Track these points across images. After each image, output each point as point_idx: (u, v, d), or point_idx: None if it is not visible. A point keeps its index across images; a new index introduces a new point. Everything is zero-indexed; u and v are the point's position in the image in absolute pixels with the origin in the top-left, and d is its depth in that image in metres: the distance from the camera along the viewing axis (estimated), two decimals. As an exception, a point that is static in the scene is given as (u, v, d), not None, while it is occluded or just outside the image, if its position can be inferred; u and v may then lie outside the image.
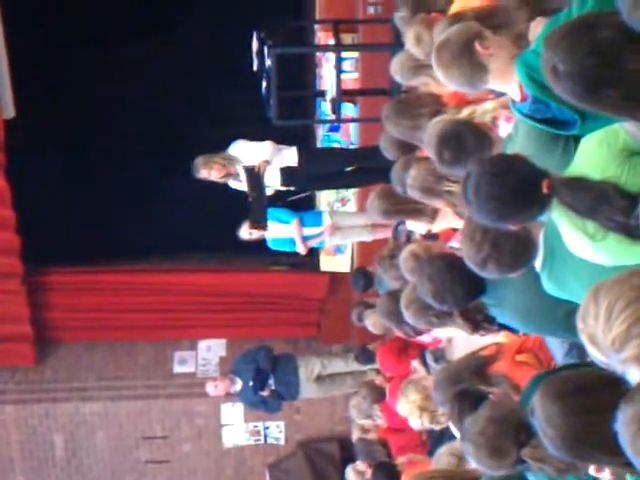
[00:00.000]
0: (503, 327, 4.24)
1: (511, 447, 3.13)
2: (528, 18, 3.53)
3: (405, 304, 4.33)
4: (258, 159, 7.98)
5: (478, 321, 4.15)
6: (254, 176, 7.93)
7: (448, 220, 4.74)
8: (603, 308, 2.03)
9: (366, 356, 8.74)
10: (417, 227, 5.18)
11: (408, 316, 4.36)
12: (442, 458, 4.91)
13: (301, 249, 8.79)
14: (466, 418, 3.45)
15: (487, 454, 3.18)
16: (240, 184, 8.14)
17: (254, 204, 8.09)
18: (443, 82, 3.53)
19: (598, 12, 2.25)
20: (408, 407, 5.83)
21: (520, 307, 3.73)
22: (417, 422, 5.85)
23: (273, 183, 8.15)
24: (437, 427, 5.94)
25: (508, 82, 3.32)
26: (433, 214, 4.76)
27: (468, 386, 4.36)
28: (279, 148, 8.15)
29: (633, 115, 2.27)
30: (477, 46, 3.31)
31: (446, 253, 4.29)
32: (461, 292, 3.86)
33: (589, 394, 2.21)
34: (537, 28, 3.35)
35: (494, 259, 3.20)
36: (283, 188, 8.34)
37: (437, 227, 4.99)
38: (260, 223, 8.27)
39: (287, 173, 8.11)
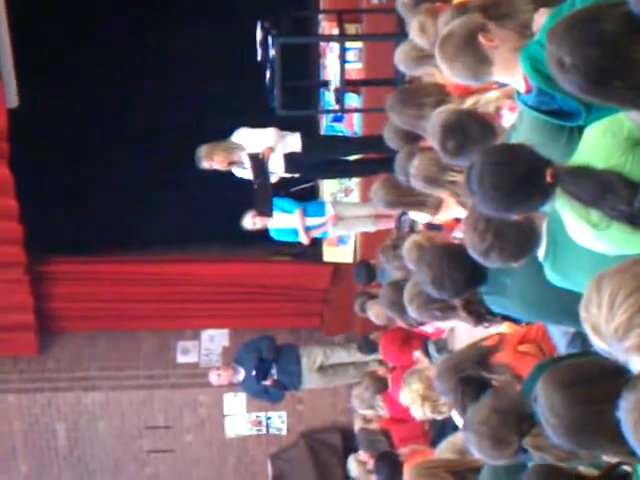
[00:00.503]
0: (505, 318, 4.25)
1: (513, 437, 3.14)
2: (533, 8, 3.52)
3: (408, 298, 4.33)
4: (262, 146, 7.98)
5: (482, 313, 4.15)
6: (258, 163, 7.93)
7: (451, 210, 4.74)
8: (606, 297, 2.03)
9: (369, 346, 8.74)
10: (420, 217, 5.18)
11: (411, 310, 4.36)
12: (443, 455, 4.92)
13: (304, 239, 8.79)
14: (469, 406, 3.46)
15: (489, 444, 3.19)
16: (244, 172, 8.14)
17: (259, 191, 8.09)
18: (447, 76, 3.52)
19: (601, 4, 2.25)
20: (410, 396, 5.85)
21: (524, 295, 3.72)
22: (419, 412, 5.87)
23: (277, 170, 8.15)
24: (439, 417, 5.96)
25: (513, 74, 3.31)
26: (437, 204, 4.75)
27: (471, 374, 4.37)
28: (282, 134, 8.14)
29: (637, 104, 2.26)
30: (481, 38, 3.31)
31: (449, 242, 4.30)
32: (461, 279, 3.85)
33: (592, 383, 2.22)
34: (541, 19, 3.34)
35: (497, 248, 3.20)
36: (287, 175, 8.33)
37: (441, 217, 4.99)
38: (265, 210, 8.28)
39: (291, 159, 8.10)
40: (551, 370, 2.31)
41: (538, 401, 2.28)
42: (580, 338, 4.11)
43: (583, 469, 2.87)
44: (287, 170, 8.20)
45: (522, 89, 3.29)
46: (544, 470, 2.90)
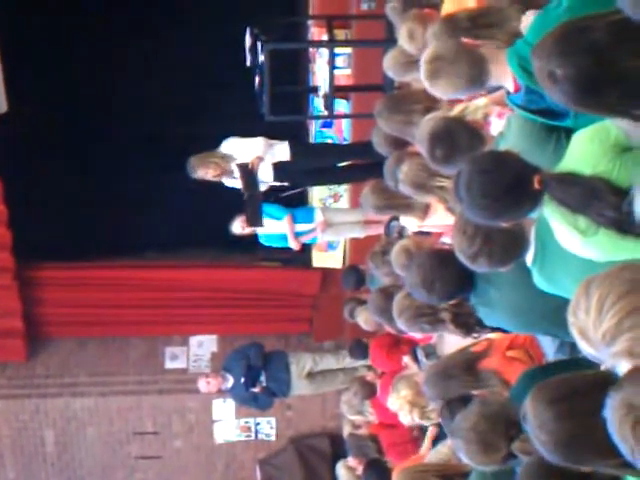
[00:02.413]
0: (494, 329, 4.25)
1: (502, 442, 3.15)
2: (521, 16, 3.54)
3: (397, 312, 4.32)
4: (251, 156, 7.98)
5: (471, 325, 4.15)
6: (248, 173, 7.93)
7: (440, 216, 4.75)
8: (594, 302, 2.02)
9: (360, 349, 8.73)
10: (409, 222, 5.19)
11: (400, 323, 4.36)
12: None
13: (294, 245, 8.79)
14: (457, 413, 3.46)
15: (478, 449, 3.20)
16: (234, 181, 8.14)
17: (249, 202, 8.09)
18: (449, 95, 3.54)
19: (587, 16, 2.25)
20: (399, 402, 5.84)
21: (511, 304, 3.73)
22: (407, 417, 5.86)
23: (266, 179, 8.15)
24: (427, 423, 5.96)
25: (505, 73, 3.33)
26: (425, 209, 4.76)
27: (458, 382, 4.37)
28: (271, 143, 8.15)
29: (629, 113, 2.26)
30: (466, 41, 3.34)
31: (437, 248, 4.31)
32: (451, 280, 3.85)
33: (582, 397, 2.18)
34: (528, 20, 3.36)
35: (485, 253, 3.21)
36: (276, 183, 8.33)
37: (429, 223, 5.00)
38: (256, 221, 8.28)
39: (279, 168, 8.10)
40: (539, 387, 2.28)
41: (527, 418, 2.25)
42: (568, 344, 4.13)
43: None
44: (276, 178, 8.20)
45: (511, 88, 3.31)
46: (541, 465, 2.86)
